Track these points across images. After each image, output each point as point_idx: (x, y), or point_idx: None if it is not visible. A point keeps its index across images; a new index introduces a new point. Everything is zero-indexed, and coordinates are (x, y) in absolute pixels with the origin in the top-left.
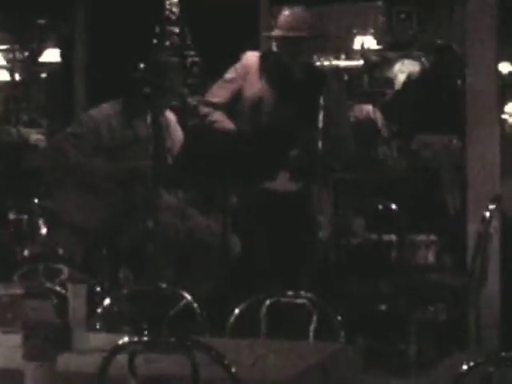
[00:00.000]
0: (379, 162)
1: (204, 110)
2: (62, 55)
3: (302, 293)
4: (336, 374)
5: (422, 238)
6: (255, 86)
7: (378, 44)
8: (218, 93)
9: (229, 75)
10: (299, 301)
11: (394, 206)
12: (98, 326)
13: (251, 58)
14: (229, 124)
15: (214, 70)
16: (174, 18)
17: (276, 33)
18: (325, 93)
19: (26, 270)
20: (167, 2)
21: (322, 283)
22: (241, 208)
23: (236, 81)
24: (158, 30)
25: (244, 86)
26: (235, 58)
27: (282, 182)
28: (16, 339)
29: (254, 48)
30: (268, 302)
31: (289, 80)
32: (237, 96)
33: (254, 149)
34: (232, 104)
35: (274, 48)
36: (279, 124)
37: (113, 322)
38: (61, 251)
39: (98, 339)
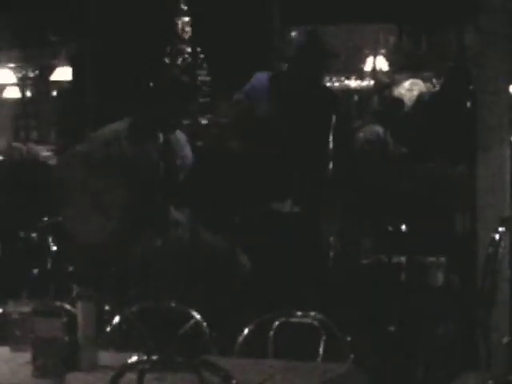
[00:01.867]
0: (388, 183)
1: (214, 130)
2: (73, 73)
3: (311, 313)
4: None
5: (431, 259)
6: (265, 107)
7: (389, 65)
8: (229, 114)
9: (239, 96)
10: (308, 321)
11: (403, 227)
12: (106, 345)
13: (261, 78)
14: (238, 145)
15: (225, 89)
16: (185, 37)
17: (291, 52)
18: (335, 114)
19: (36, 287)
20: (179, 22)
21: (330, 304)
22: (249, 227)
23: (246, 101)
24: (169, 49)
25: (254, 107)
26: (246, 77)
27: (291, 203)
28: (25, 357)
29: (265, 68)
30: (277, 322)
31: (299, 101)
32: (247, 117)
33: (262, 169)
34: (242, 125)
35: (286, 68)
36: (288, 145)
37: (122, 341)
38: (70, 269)
39: (107, 358)
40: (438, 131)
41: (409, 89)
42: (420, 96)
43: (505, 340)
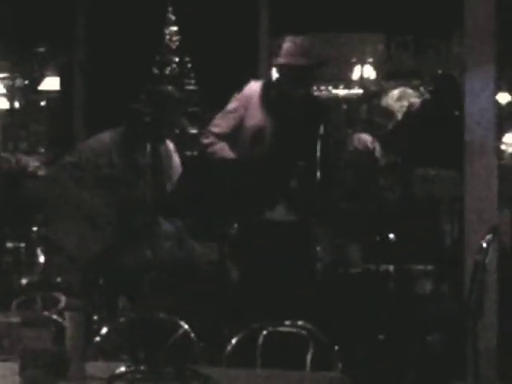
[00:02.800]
0: (377, 192)
1: (206, 140)
2: (62, 84)
3: (299, 322)
4: None
5: (419, 267)
6: (256, 116)
7: (377, 73)
8: (221, 123)
9: (231, 105)
10: (296, 330)
11: (391, 236)
12: (95, 355)
13: (253, 87)
14: (230, 154)
15: (213, 99)
16: (173, 47)
17: (281, 60)
18: (324, 123)
19: (24, 298)
20: (167, 31)
21: (318, 312)
22: (239, 237)
23: (238, 110)
24: (157, 58)
25: (245, 116)
26: (234, 87)
27: (281, 212)
28: (13, 368)
29: (253, 77)
30: (265, 332)
31: (289, 109)
32: (238, 126)
33: (253, 178)
34: (234, 134)
35: (276, 77)
36: (279, 154)
37: (110, 351)
38: (58, 280)
39: (96, 368)
40: (427, 140)
41: (398, 98)
42: (409, 105)
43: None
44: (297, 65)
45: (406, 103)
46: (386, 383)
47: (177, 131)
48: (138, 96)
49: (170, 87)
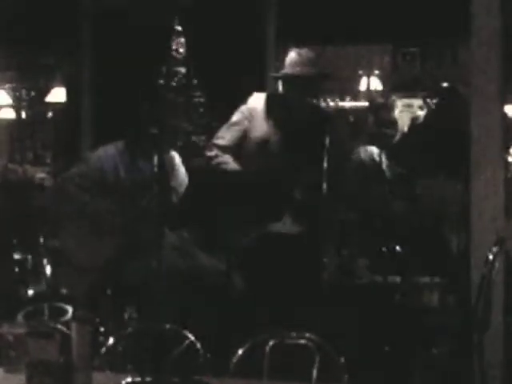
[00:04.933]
0: (383, 204)
1: (210, 153)
2: (68, 94)
3: (306, 334)
4: None
5: (425, 279)
6: (261, 128)
7: (384, 85)
8: (224, 136)
9: (235, 118)
10: (302, 342)
11: (398, 248)
12: (101, 366)
13: (257, 99)
14: (234, 166)
15: (220, 110)
16: (180, 58)
17: (285, 71)
18: (329, 134)
19: (31, 309)
20: (174, 42)
21: (325, 324)
22: (245, 249)
23: (242, 123)
24: (164, 69)
25: (250, 128)
26: (241, 98)
27: (286, 224)
28: (20, 378)
29: (260, 89)
30: (271, 343)
31: (294, 121)
32: (243, 138)
33: (258, 190)
34: (238, 146)
35: (281, 88)
36: (284, 166)
37: (116, 362)
38: (65, 291)
39: (102, 379)
40: (433, 152)
41: (404, 109)
42: (415, 116)
43: (499, 357)
44: (301, 75)
45: (411, 114)
46: None
47: (182, 142)
48: (144, 106)
49: (175, 97)
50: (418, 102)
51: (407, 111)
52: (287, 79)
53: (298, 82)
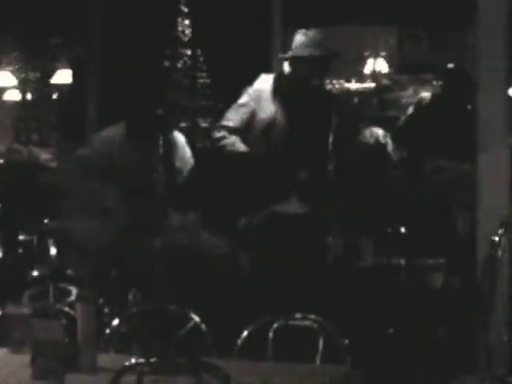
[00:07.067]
0: (389, 186)
1: (217, 134)
2: (74, 76)
3: (310, 316)
4: None
5: (430, 261)
6: (268, 109)
7: (389, 67)
8: (232, 117)
9: (242, 99)
10: (306, 323)
11: (403, 229)
12: (106, 347)
13: (264, 80)
14: (241, 147)
15: (226, 91)
16: (185, 39)
17: (295, 52)
18: (336, 115)
19: (36, 290)
20: (179, 24)
21: (329, 306)
22: (250, 229)
23: (249, 104)
24: (169, 51)
25: (257, 109)
26: (247, 79)
27: (292, 205)
28: (25, 358)
29: (265, 70)
30: (276, 325)
31: (301, 102)
32: (250, 119)
33: (264, 171)
34: (246, 127)
35: (287, 70)
36: (291, 146)
37: (121, 343)
38: (70, 272)
39: (106, 359)
40: (439, 134)
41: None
42: (421, 98)
43: (505, 338)
44: (309, 56)
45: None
46: (395, 376)
47: (188, 123)
48: (150, 88)
49: (181, 79)
50: (424, 83)
51: (413, 93)
52: (295, 61)
53: (306, 63)
